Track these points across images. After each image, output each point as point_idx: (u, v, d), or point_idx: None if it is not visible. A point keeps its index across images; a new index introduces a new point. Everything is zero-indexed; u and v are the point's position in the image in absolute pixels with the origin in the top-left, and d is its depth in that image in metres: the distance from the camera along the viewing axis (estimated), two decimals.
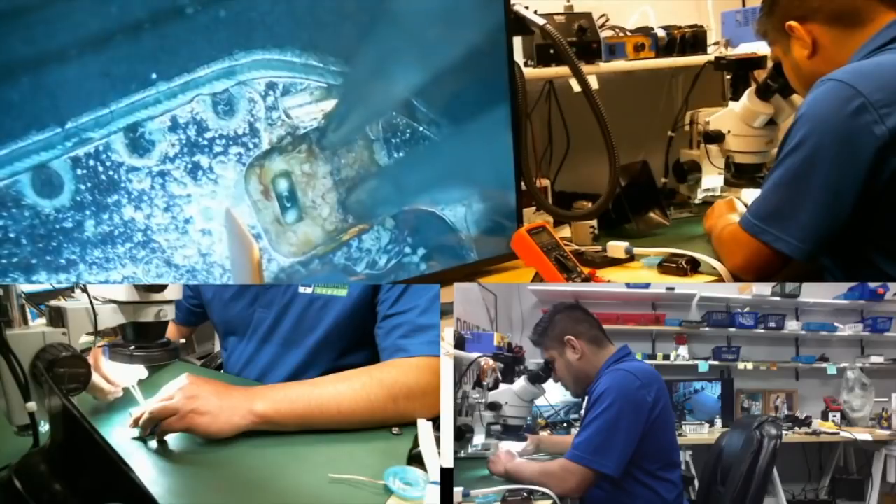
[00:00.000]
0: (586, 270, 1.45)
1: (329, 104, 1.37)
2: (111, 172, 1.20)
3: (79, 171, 1.18)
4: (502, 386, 1.35)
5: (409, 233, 1.51)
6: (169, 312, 1.15)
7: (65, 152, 1.16)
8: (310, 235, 1.39)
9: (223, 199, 1.29)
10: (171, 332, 1.26)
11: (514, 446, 1.34)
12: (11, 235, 1.15)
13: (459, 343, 1.47)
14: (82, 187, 1.19)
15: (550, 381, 1.34)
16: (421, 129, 1.49)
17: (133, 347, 1.17)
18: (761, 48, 1.94)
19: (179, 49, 1.21)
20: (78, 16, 1.13)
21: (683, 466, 2.04)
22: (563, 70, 1.86)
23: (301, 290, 1.41)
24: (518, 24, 1.64)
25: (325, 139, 1.37)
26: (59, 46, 1.12)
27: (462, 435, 1.32)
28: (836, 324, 2.40)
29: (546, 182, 2.04)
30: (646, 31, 2.14)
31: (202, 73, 1.24)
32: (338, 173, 1.40)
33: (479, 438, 1.36)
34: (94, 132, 1.17)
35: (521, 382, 1.35)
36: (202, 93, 1.24)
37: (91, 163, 1.18)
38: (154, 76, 1.20)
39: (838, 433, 2.16)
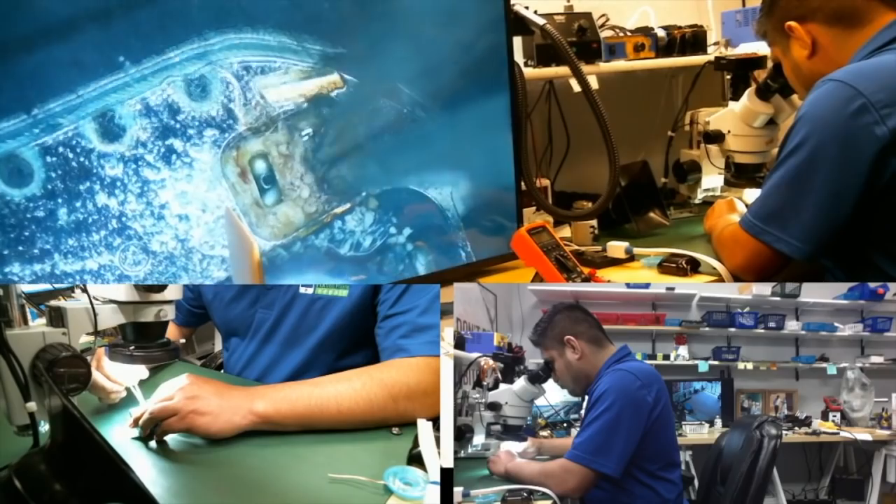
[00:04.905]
0: (586, 270, 1.45)
1: (308, 86, 1.34)
2: (82, 159, 1.17)
3: (49, 159, 1.15)
4: (502, 386, 1.36)
5: (394, 213, 1.48)
6: (169, 312, 1.15)
7: (33, 140, 1.14)
8: (290, 217, 1.37)
9: (199, 182, 1.27)
10: (172, 332, 1.26)
11: (514, 446, 1.34)
12: None
13: (459, 343, 1.47)
14: (53, 175, 1.16)
15: (550, 381, 1.34)
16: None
17: (133, 347, 1.17)
18: (761, 48, 1.94)
19: (149, 32, 1.18)
20: (43, 0, 1.10)
21: (683, 466, 2.04)
22: (563, 70, 1.86)
23: (302, 290, 1.42)
24: (518, 24, 1.64)
25: (304, 122, 1.35)
26: (24, 32, 1.10)
27: (462, 435, 1.32)
28: (836, 324, 2.40)
29: (546, 182, 2.03)
30: (646, 31, 2.14)
31: (173, 56, 1.21)
32: (318, 156, 1.37)
33: (479, 438, 1.36)
34: (63, 119, 1.15)
35: (521, 382, 1.35)
36: (174, 76, 1.22)
37: (61, 150, 1.16)
38: (123, 60, 1.17)
39: (838, 433, 2.17)
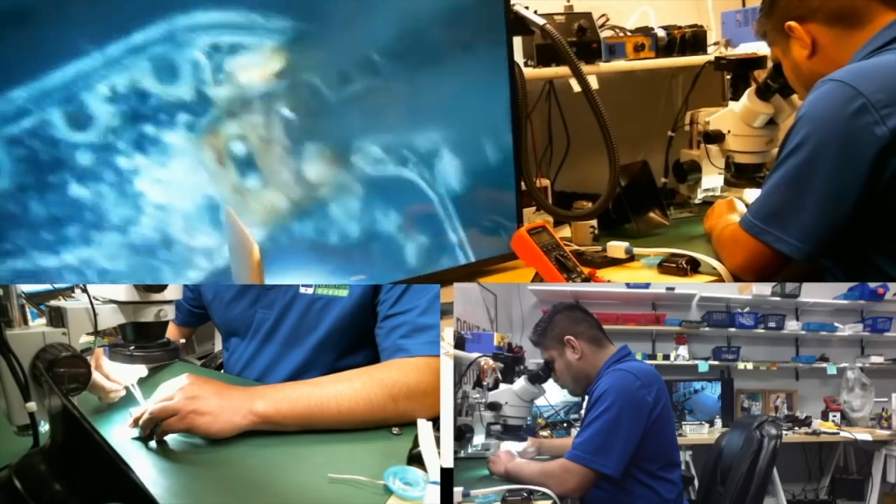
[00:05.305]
0: (586, 270, 1.45)
1: (282, 65, 1.30)
2: (52, 150, 1.12)
3: (17, 151, 1.10)
4: (502, 386, 1.36)
5: (382, 200, 1.46)
6: (169, 312, 1.15)
7: None
8: (273, 203, 1.33)
9: (175, 170, 1.22)
10: (172, 332, 1.26)
11: (514, 446, 1.34)
12: None
13: (459, 343, 1.47)
14: (23, 168, 1.11)
15: (550, 381, 1.34)
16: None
17: (133, 347, 1.17)
18: (761, 48, 1.94)
19: (112, 14, 1.13)
20: None
21: (683, 466, 2.04)
22: (563, 70, 1.86)
23: (302, 290, 1.42)
24: (518, 24, 1.64)
25: (282, 104, 1.31)
26: None
27: (462, 435, 1.32)
28: (836, 324, 2.40)
29: (546, 182, 2.03)
30: (646, 31, 2.14)
31: (139, 39, 1.16)
32: (298, 142, 1.33)
33: (479, 438, 1.36)
34: (28, 108, 1.10)
35: (521, 382, 1.35)
36: (141, 59, 1.17)
37: (28, 141, 1.11)
38: (87, 44, 1.12)
39: (838, 433, 2.17)
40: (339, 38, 1.36)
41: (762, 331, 2.37)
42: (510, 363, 1.40)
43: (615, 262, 1.69)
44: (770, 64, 1.83)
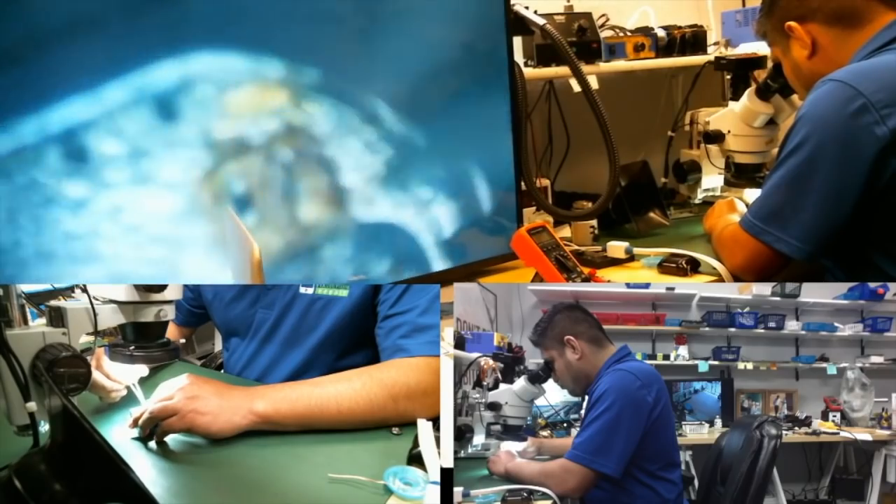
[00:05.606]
0: (586, 270, 1.45)
1: (288, 105, 1.29)
2: (50, 183, 1.11)
3: (13, 184, 1.09)
4: (502, 386, 1.36)
5: (376, 244, 1.43)
6: (169, 312, 1.15)
7: None
8: (267, 244, 1.31)
9: (173, 207, 1.21)
10: (172, 332, 1.26)
11: (514, 446, 1.34)
12: None
13: (459, 343, 1.47)
14: (19, 202, 1.09)
15: (550, 381, 1.34)
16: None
17: (133, 347, 1.17)
18: (761, 48, 1.94)
19: (117, 53, 1.13)
20: (5, 21, 1.05)
21: (683, 466, 2.04)
22: (563, 70, 1.86)
23: (302, 290, 1.42)
24: (518, 24, 1.64)
25: (283, 143, 1.30)
26: None
27: (462, 435, 1.32)
28: (836, 324, 2.40)
29: (546, 182, 2.03)
30: (646, 31, 2.14)
31: (143, 77, 1.16)
32: (298, 179, 1.32)
33: (479, 438, 1.36)
34: (28, 142, 1.09)
35: (521, 382, 1.35)
36: (143, 97, 1.16)
37: (27, 174, 1.10)
38: (91, 80, 1.11)
39: (838, 433, 2.17)
40: (355, 63, 1.37)
41: (762, 331, 2.37)
42: (510, 363, 1.40)
43: (615, 262, 1.69)
44: (770, 64, 1.83)
